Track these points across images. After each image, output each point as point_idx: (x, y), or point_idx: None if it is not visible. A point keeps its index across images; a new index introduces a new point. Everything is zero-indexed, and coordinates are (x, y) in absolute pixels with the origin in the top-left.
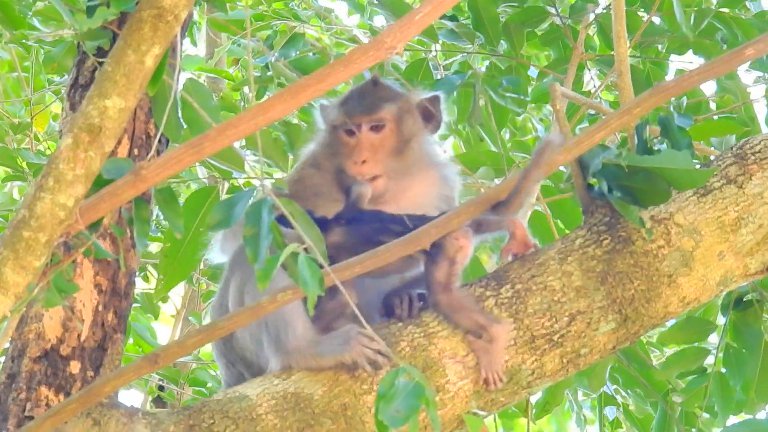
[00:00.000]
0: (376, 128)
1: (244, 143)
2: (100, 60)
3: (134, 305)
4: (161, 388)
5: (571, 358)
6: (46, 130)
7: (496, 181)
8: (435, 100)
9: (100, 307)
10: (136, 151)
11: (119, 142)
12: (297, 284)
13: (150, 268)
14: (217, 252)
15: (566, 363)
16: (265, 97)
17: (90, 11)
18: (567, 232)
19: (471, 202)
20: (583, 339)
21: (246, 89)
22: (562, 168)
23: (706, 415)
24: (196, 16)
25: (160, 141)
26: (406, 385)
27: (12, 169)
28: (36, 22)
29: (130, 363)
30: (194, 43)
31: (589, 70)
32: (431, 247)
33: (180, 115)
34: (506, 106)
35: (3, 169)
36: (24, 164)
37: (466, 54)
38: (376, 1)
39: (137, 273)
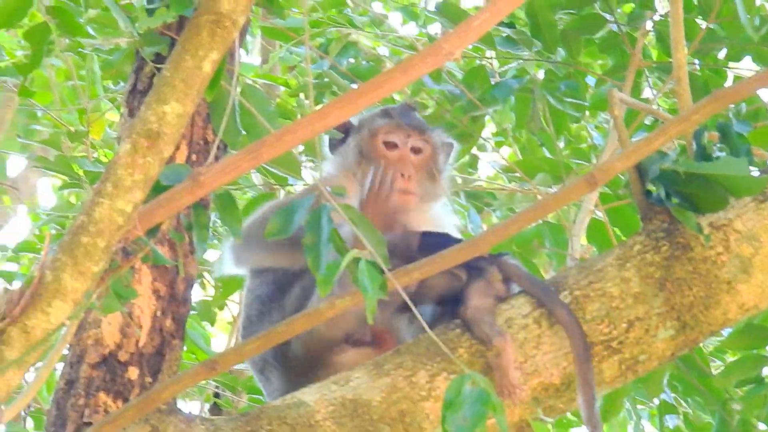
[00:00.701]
0: (418, 149)
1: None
2: (159, 66)
3: (191, 312)
4: (217, 395)
5: (630, 365)
6: (102, 138)
7: (554, 188)
8: (451, 146)
9: (159, 313)
10: (194, 157)
11: (177, 148)
12: (357, 289)
13: (207, 275)
14: (230, 263)
15: (625, 369)
16: (322, 104)
17: (149, 13)
18: (625, 239)
19: (529, 209)
20: (641, 345)
21: (302, 96)
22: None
23: (762, 426)
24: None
25: (218, 147)
26: (472, 392)
27: (69, 177)
28: (90, 30)
29: (187, 369)
30: (247, 51)
31: (648, 77)
32: (472, 269)
33: (238, 120)
34: (565, 111)
35: (60, 177)
36: (80, 172)
37: (522, 61)
38: (433, 9)
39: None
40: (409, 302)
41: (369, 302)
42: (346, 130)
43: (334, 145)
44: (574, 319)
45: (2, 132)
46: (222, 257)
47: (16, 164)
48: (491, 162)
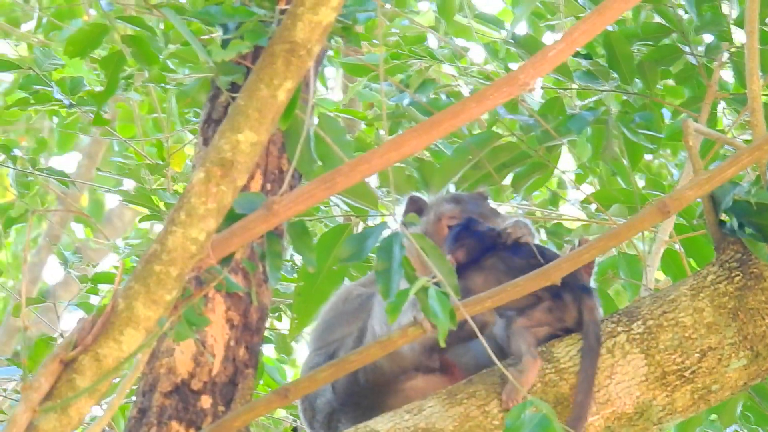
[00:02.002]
0: None
1: (378, 181)
2: (233, 95)
3: (267, 344)
4: (295, 429)
5: (702, 395)
6: (182, 170)
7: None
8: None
9: (232, 342)
10: (269, 186)
11: (252, 177)
12: (428, 318)
13: (283, 307)
14: (309, 344)
15: (697, 399)
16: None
17: (224, 44)
18: (699, 269)
19: (602, 237)
20: (714, 375)
21: (381, 131)
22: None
23: None
24: (332, 55)
25: (293, 176)
26: (533, 417)
27: (149, 209)
28: (171, 65)
29: (260, 398)
30: (326, 86)
31: (725, 109)
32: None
33: (313, 150)
34: (639, 143)
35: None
36: (161, 204)
37: (601, 94)
38: (511, 40)
39: (270, 310)
40: (477, 332)
41: (441, 328)
42: (417, 209)
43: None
44: (586, 393)
45: (94, 168)
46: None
47: (112, 200)
48: (570, 199)
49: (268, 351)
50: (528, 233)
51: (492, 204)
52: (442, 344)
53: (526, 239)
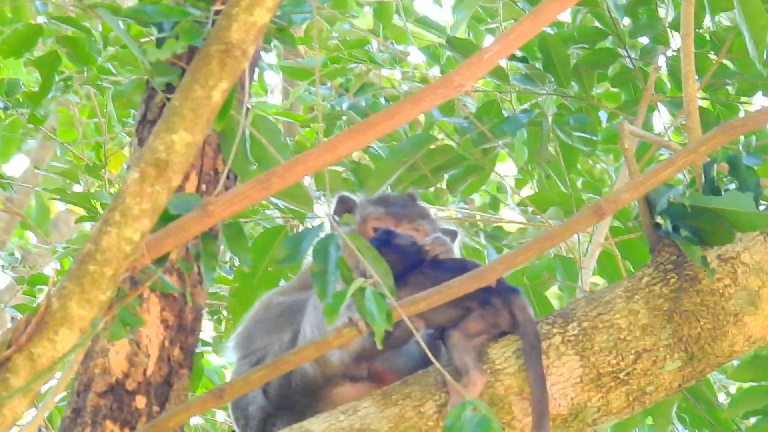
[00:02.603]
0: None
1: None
2: (169, 96)
3: (206, 348)
4: None
5: (637, 396)
6: (120, 173)
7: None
8: (454, 234)
9: (167, 343)
10: (204, 187)
11: (187, 178)
12: (365, 319)
13: (224, 312)
14: (231, 352)
15: (632, 401)
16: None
17: (159, 43)
18: (634, 271)
19: (537, 239)
20: (649, 377)
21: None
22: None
23: None
24: (273, 59)
25: (228, 177)
26: (472, 418)
27: (86, 210)
28: (111, 68)
29: (195, 398)
30: (264, 90)
31: (659, 112)
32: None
33: (248, 151)
34: (574, 145)
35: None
36: (98, 205)
37: (538, 97)
38: (446, 43)
39: (209, 312)
40: (415, 332)
41: (377, 329)
42: (347, 208)
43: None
44: (542, 389)
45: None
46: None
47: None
48: (510, 203)
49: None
50: (447, 249)
51: (422, 205)
52: (379, 345)
53: (446, 255)
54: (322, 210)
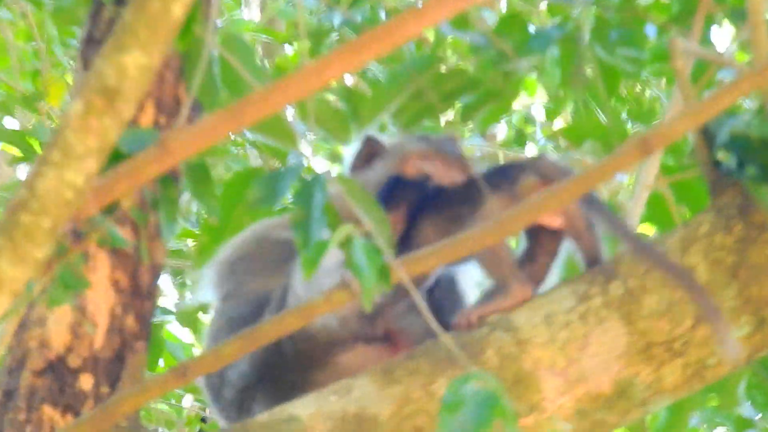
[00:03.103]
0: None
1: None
2: (120, 10)
3: (167, 317)
4: (203, 420)
5: (696, 370)
6: (62, 105)
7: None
8: None
9: (118, 309)
10: (162, 120)
11: (142, 109)
12: (355, 275)
13: (188, 271)
14: (209, 288)
15: (690, 376)
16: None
17: None
18: (690, 217)
19: (572, 180)
20: (710, 347)
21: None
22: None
23: None
24: None
25: (192, 107)
26: (475, 393)
27: (21, 150)
28: None
29: (153, 377)
30: (236, 2)
31: (719, 25)
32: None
33: (216, 76)
34: (617, 65)
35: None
36: (35, 143)
37: (574, 9)
38: None
39: (166, 272)
40: (418, 297)
41: (366, 288)
42: (374, 152)
43: (357, 165)
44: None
45: None
46: (200, 280)
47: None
48: (539, 138)
49: (171, 326)
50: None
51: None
52: (368, 308)
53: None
54: (307, 148)
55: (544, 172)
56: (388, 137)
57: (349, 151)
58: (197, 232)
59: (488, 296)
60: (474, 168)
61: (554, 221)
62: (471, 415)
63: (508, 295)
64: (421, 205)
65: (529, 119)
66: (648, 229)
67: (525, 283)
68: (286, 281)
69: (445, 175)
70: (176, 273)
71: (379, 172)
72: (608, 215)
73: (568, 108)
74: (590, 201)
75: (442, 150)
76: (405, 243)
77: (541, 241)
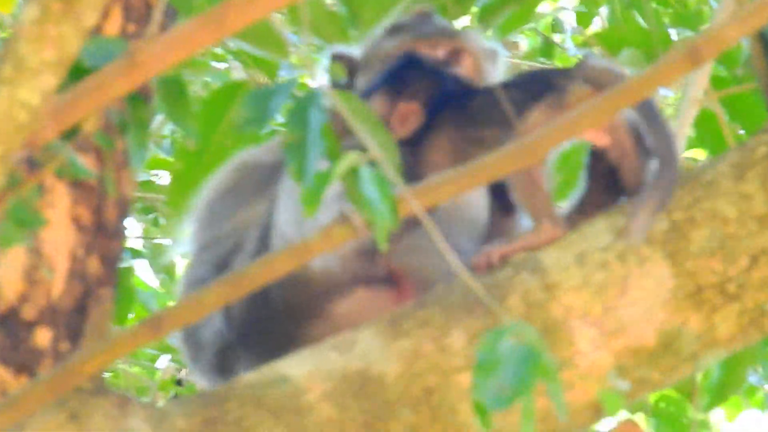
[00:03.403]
0: (452, 62)
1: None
2: None
3: (137, 260)
4: (179, 382)
5: (754, 317)
6: (13, 12)
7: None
8: (494, 55)
9: (80, 251)
10: (131, 27)
11: (107, 14)
12: (361, 211)
13: (160, 207)
14: (188, 239)
15: (746, 324)
16: None
17: None
18: (746, 138)
19: (608, 95)
20: None
21: None
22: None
23: None
24: None
25: (165, 13)
26: (514, 350)
27: None
28: None
29: (122, 330)
30: None
31: None
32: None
33: None
34: None
35: None
36: None
37: None
38: None
39: (141, 209)
40: (435, 231)
41: (379, 225)
42: (350, 69)
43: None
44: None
45: None
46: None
47: None
48: (569, 47)
49: (142, 271)
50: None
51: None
52: (382, 248)
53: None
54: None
55: (598, 79)
56: (357, 49)
57: (317, 76)
58: (171, 161)
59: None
60: (473, 46)
61: (600, 138)
62: (510, 376)
63: (537, 231)
64: (438, 106)
65: (557, 25)
66: (697, 153)
67: (557, 221)
68: (266, 217)
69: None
70: (146, 209)
71: (359, 89)
72: (663, 132)
73: (603, 12)
74: (647, 110)
75: (422, 33)
76: (415, 154)
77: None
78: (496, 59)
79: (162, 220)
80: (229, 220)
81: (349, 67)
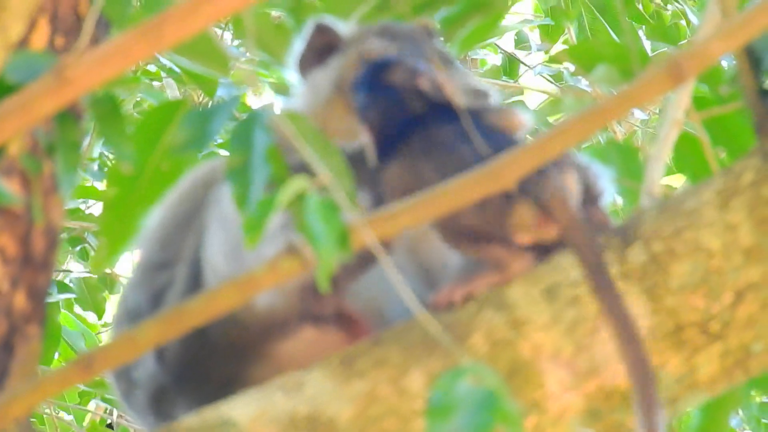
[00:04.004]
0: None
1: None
2: None
3: (65, 296)
4: (110, 426)
5: (739, 358)
6: None
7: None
8: (484, 97)
9: (5, 285)
10: (59, 40)
11: (33, 26)
12: (309, 241)
13: (91, 238)
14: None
15: (731, 366)
16: None
17: None
18: (730, 162)
19: (580, 116)
20: (756, 328)
21: None
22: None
23: None
24: None
25: (97, 24)
26: (471, 393)
27: None
28: None
29: (50, 371)
30: None
31: None
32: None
33: None
34: None
35: None
36: None
37: None
38: None
39: (68, 239)
40: (389, 266)
41: (324, 258)
42: (329, 45)
43: (306, 63)
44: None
45: None
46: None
47: None
48: (534, 64)
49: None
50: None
51: (443, 45)
52: (324, 286)
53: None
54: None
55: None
56: (346, 26)
57: (297, 42)
58: (102, 187)
59: (474, 267)
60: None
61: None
62: (466, 421)
63: (500, 265)
64: (399, 129)
65: (520, 40)
66: (677, 179)
67: (523, 253)
68: (195, 250)
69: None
70: (73, 240)
71: (335, 71)
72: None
73: (570, 23)
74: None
75: (406, 49)
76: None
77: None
78: (485, 101)
79: (91, 252)
80: (167, 249)
81: (329, 41)
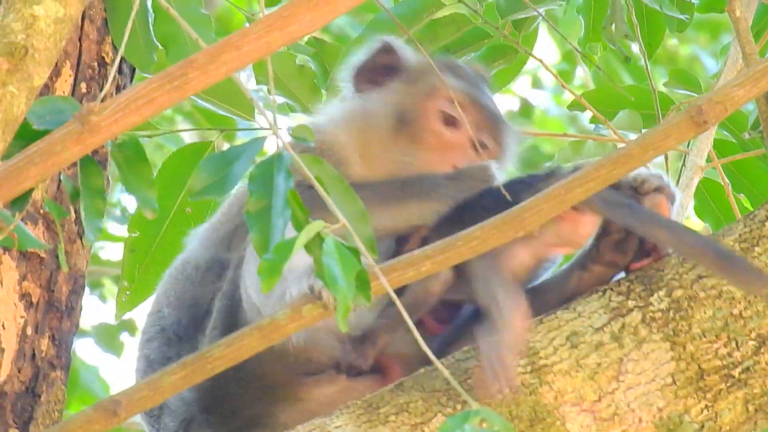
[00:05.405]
0: (484, 145)
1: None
2: None
3: (81, 338)
4: None
5: (763, 404)
6: None
7: (643, 131)
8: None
9: (29, 330)
10: (83, 86)
11: (58, 73)
12: (326, 285)
13: (108, 282)
14: (199, 248)
15: (754, 412)
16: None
17: None
18: (753, 208)
19: (603, 161)
20: None
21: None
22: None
23: None
24: None
25: (120, 71)
26: None
27: None
28: None
29: (75, 415)
30: None
31: None
32: None
33: (151, 30)
34: (660, 12)
35: None
36: None
37: None
38: None
39: (88, 282)
40: (404, 312)
41: (341, 302)
42: (391, 66)
43: (363, 78)
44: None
45: None
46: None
47: None
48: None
49: (85, 348)
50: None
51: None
52: (343, 328)
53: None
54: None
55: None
56: (411, 50)
57: (355, 54)
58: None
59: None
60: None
61: (564, 251)
62: None
63: (504, 329)
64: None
65: (536, 82)
66: (697, 225)
67: (517, 304)
68: (231, 284)
69: (474, 132)
70: (92, 284)
71: (398, 98)
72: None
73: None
74: (609, 202)
75: (479, 102)
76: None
77: None
78: (521, 143)
79: (108, 294)
80: (195, 289)
81: (391, 62)
